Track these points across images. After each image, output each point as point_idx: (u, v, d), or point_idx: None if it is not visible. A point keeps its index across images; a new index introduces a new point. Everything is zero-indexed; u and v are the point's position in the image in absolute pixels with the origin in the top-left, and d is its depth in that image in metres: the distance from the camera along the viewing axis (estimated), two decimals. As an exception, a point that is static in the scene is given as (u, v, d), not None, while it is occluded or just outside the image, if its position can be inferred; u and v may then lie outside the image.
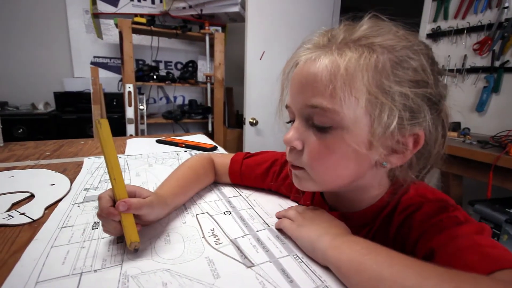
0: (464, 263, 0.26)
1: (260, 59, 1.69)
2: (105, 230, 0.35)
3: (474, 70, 1.43)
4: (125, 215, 0.33)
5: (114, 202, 0.34)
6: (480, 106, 1.39)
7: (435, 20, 1.60)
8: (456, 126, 1.29)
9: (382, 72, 0.29)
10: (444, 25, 1.56)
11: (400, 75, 0.29)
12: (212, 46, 2.05)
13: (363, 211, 0.37)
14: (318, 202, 0.44)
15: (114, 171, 0.34)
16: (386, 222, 0.35)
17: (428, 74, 0.30)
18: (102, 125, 0.33)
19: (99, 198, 0.34)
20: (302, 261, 0.32)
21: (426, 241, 0.30)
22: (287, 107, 0.37)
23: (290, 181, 0.49)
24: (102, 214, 0.33)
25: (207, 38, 2.02)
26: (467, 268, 0.24)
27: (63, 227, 0.38)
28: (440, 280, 0.22)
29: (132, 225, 0.33)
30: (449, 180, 1.26)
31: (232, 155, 0.57)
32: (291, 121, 0.37)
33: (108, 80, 2.14)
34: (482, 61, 1.42)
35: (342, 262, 0.28)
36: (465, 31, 1.46)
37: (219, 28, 2.05)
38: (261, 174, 0.52)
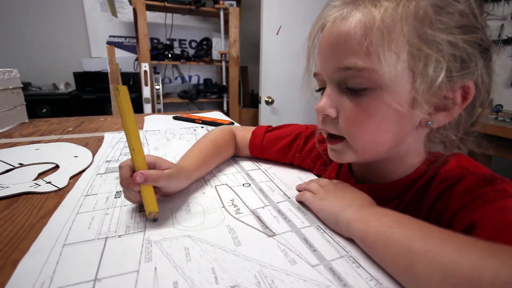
0: (511, 238, 0.23)
1: (277, 34, 1.63)
2: (126, 197, 0.35)
3: (511, 41, 1.31)
4: (144, 186, 0.33)
5: (133, 171, 0.33)
6: (516, 81, 1.29)
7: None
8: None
9: (424, 20, 0.26)
10: (480, -9, 1.42)
11: (445, 21, 0.26)
12: (226, 22, 1.99)
13: (395, 182, 0.35)
14: (344, 174, 0.42)
15: (133, 141, 0.33)
16: (420, 194, 0.33)
17: (477, 18, 0.27)
18: (120, 92, 0.32)
19: (120, 167, 0.34)
20: (325, 232, 0.31)
21: (467, 214, 0.27)
22: (315, 75, 0.34)
23: (315, 154, 0.47)
24: (122, 183, 0.34)
25: (221, 13, 1.96)
26: None
27: (87, 195, 0.39)
28: (482, 256, 0.20)
29: (151, 196, 0.33)
30: (477, 160, 1.19)
31: (253, 128, 0.55)
32: (321, 89, 0.34)
33: (124, 59, 2.15)
34: (521, 31, 1.29)
35: (369, 234, 0.27)
36: (504, -3, 1.33)
37: (234, 3, 1.97)
38: (283, 147, 0.51)
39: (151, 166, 0.35)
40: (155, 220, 0.33)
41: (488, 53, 0.28)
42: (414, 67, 0.27)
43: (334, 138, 0.34)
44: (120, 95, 0.32)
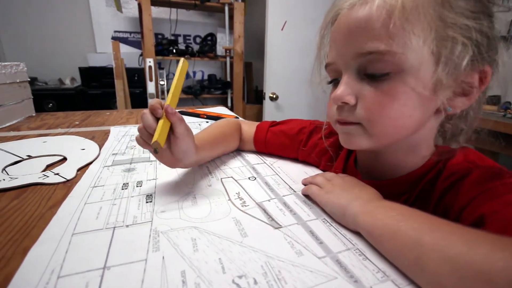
0: None
1: (282, 29, 1.61)
2: (139, 136, 0.35)
3: (521, 37, 1.28)
4: (164, 120, 0.34)
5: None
6: (525, 78, 1.26)
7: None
8: (495, 100, 1.19)
9: (444, 4, 0.26)
10: (490, -15, 1.39)
11: (463, 6, 0.26)
12: (231, 17, 1.98)
13: (402, 177, 0.35)
14: (350, 170, 0.42)
15: (175, 88, 0.37)
16: (427, 189, 0.33)
17: (491, 4, 0.28)
18: (182, 64, 0.37)
19: (151, 100, 0.35)
20: (331, 225, 0.31)
21: (476, 208, 0.27)
22: (328, 65, 0.34)
23: (320, 149, 0.47)
24: (147, 111, 0.34)
25: (226, 8, 1.95)
26: None
27: (95, 186, 0.39)
28: (492, 248, 0.19)
29: (166, 130, 0.34)
30: (483, 157, 1.18)
31: (258, 123, 0.55)
32: (333, 80, 0.34)
33: (129, 55, 2.15)
34: (532, 27, 1.26)
35: (376, 227, 0.27)
36: (514, -8, 1.30)
37: (239, -2, 1.96)
38: (287, 142, 0.51)
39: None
40: (156, 151, 0.34)
41: (505, 40, 0.29)
42: (438, 50, 0.27)
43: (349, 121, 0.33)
44: (181, 65, 0.37)
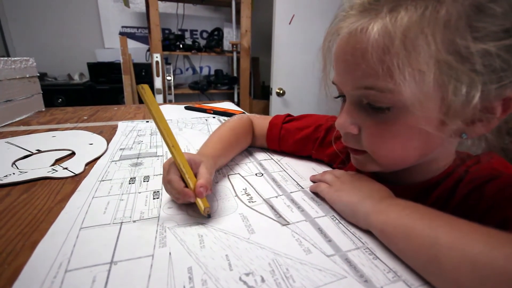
0: None
1: (289, 23, 1.59)
2: (174, 197, 0.34)
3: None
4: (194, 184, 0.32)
5: (181, 176, 0.32)
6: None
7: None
8: None
9: (456, 30, 0.22)
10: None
11: (481, 28, 0.22)
12: (238, 12, 1.96)
13: (418, 184, 0.33)
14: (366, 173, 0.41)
15: (170, 138, 0.33)
16: (446, 194, 0.31)
17: None
18: (146, 91, 0.31)
19: (170, 181, 0.32)
20: (340, 223, 0.31)
21: (499, 211, 0.26)
22: (334, 82, 0.32)
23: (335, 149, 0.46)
24: (179, 198, 0.32)
25: (233, 2, 1.93)
26: None
27: (103, 180, 0.39)
28: None
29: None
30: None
31: (270, 117, 0.53)
32: (340, 96, 0.33)
33: (136, 50, 2.16)
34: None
35: (389, 226, 0.26)
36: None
37: (246, -8, 1.94)
38: (302, 139, 0.49)
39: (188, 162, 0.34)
40: (209, 216, 0.31)
41: None
42: (444, 85, 0.23)
43: (357, 149, 0.32)
44: (146, 93, 0.31)
